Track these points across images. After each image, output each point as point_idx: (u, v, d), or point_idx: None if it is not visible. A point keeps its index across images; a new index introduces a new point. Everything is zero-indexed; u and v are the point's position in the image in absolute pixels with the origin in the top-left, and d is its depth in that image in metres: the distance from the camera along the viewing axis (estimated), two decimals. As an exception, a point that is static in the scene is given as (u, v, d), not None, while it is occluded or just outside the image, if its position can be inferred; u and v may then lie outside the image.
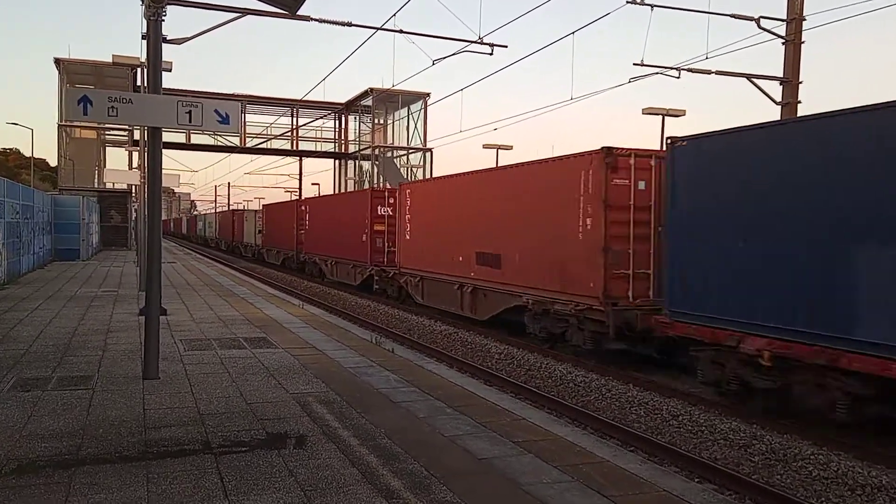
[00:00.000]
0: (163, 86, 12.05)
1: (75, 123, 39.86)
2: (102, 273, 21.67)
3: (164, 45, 13.06)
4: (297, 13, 13.61)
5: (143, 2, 7.76)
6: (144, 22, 8.40)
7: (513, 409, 6.46)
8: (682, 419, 9.32)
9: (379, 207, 22.69)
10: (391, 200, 22.44)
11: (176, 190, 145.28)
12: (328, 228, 27.48)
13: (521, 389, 10.76)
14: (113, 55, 16.93)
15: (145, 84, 12.32)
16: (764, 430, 8.75)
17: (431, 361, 9.05)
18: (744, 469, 7.72)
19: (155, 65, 7.26)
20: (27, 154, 64.90)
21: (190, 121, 7.11)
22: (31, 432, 5.36)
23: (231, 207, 76.32)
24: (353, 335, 10.73)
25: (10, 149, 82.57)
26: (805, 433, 8.54)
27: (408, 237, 20.15)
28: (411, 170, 41.45)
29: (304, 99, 34.80)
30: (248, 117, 43.08)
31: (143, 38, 12.00)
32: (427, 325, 17.10)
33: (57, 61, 37.54)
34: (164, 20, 7.46)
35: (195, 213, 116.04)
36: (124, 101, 6.90)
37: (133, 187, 28.75)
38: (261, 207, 45.84)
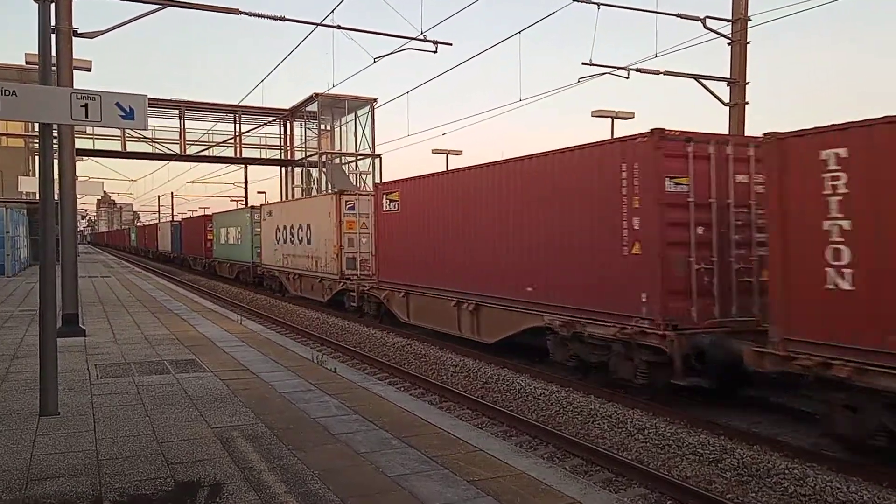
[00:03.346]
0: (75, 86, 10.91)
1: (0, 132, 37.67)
2: (26, 290, 20.13)
3: (77, 40, 12.06)
4: (226, 6, 12.70)
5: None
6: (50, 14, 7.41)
7: (468, 438, 5.69)
8: (647, 433, 8.76)
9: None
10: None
11: (117, 200, 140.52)
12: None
13: (477, 405, 10.08)
14: (26, 54, 15.58)
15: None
16: (733, 441, 8.26)
17: (378, 382, 8.24)
18: (716, 487, 7.18)
19: (45, 54, 6.28)
20: (-47, 165, 61.27)
21: (86, 115, 6.14)
22: None
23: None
24: (293, 353, 9.83)
25: (-64, 160, 78.29)
26: (776, 445, 8.08)
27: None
28: (360, 176, 40.43)
29: (246, 104, 33.48)
30: (188, 123, 41.40)
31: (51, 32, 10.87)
32: (378, 338, 16.25)
33: (-21, 66, 35.33)
34: (51, 3, 6.46)
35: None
36: (7, 93, 5.89)
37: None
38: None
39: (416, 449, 5.35)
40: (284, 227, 25.75)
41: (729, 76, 19.22)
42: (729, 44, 19.14)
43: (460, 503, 4.29)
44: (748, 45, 19.16)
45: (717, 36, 19.02)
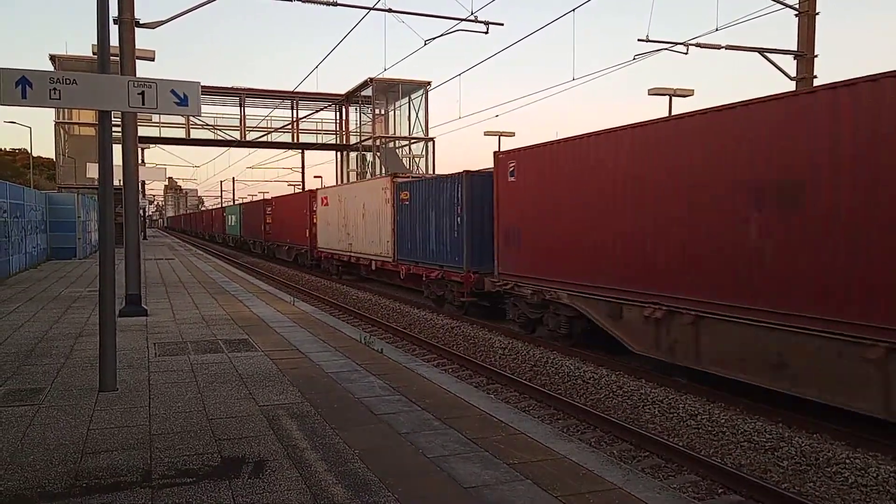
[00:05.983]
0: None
1: (73, 121, 39.32)
2: (95, 272, 21.03)
3: (140, 31, 12.40)
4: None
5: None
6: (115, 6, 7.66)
7: (509, 420, 5.67)
8: (700, 419, 8.55)
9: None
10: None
11: (183, 186, 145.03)
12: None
13: (523, 388, 10.03)
14: (92, 45, 16.13)
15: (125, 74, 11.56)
16: (791, 429, 7.99)
17: (424, 364, 8.28)
18: (772, 476, 6.96)
19: (103, 43, 6.47)
20: (35, 154, 64.35)
21: (143, 103, 6.33)
22: (-54, 464, 4.63)
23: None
24: (342, 335, 9.97)
25: (18, 149, 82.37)
26: (837, 434, 7.77)
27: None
28: (413, 160, 40.60)
29: (302, 90, 34.01)
30: (247, 110, 42.35)
31: (113, 23, 11.21)
32: (428, 320, 16.35)
33: (52, 58, 36.87)
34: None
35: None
36: (68, 81, 6.13)
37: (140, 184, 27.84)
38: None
39: (457, 431, 5.36)
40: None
41: (796, 49, 18.40)
42: (796, 15, 18.31)
43: (497, 485, 4.27)
44: (817, 17, 18.29)
45: (783, 7, 18.21)
